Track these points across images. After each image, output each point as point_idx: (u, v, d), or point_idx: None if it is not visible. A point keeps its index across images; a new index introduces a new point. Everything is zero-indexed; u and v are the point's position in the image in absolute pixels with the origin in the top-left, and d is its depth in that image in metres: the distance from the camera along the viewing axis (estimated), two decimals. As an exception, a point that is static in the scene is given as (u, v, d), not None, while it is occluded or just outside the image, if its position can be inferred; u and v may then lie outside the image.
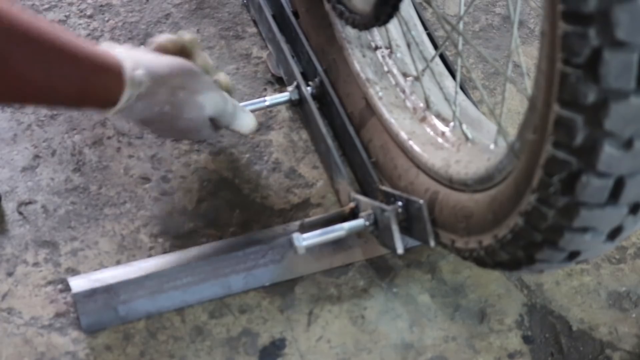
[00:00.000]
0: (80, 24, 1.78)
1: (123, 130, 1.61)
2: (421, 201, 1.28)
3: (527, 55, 1.72)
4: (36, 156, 1.57)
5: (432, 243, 1.28)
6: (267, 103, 1.58)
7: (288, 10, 1.68)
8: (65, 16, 1.79)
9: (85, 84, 1.24)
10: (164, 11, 1.81)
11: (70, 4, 1.81)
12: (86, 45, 1.24)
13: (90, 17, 1.79)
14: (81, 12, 1.80)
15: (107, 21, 1.79)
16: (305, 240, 1.36)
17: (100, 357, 1.36)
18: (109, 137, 1.61)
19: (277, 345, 1.38)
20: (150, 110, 1.33)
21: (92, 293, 1.38)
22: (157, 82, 1.32)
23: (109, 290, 1.38)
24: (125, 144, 1.60)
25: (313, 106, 1.55)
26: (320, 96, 1.58)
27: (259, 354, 1.38)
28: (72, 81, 1.23)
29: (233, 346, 1.38)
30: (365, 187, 1.49)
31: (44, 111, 1.64)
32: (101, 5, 1.81)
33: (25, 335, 1.38)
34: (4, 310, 1.40)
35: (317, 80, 1.58)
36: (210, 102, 1.39)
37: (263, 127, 1.63)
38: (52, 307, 1.40)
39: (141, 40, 1.75)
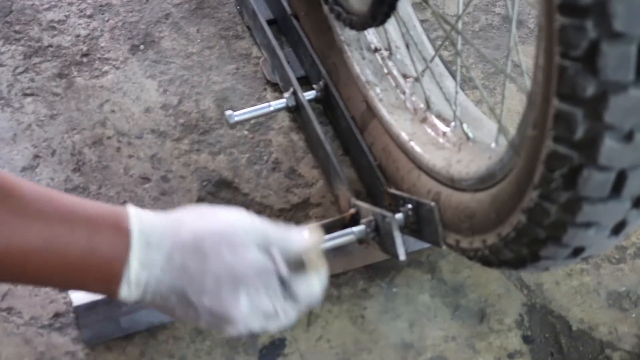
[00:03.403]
0: (80, 24, 1.78)
1: (123, 130, 1.61)
2: (432, 203, 1.27)
3: (526, 55, 1.73)
4: (36, 156, 1.57)
5: (442, 245, 1.28)
6: (271, 108, 1.57)
7: (290, 14, 1.68)
8: (65, 16, 1.79)
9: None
10: (164, 11, 1.81)
11: (70, 4, 1.81)
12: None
13: (90, 17, 1.79)
14: (81, 12, 1.80)
15: (107, 21, 1.79)
16: None
17: (100, 357, 1.36)
18: (109, 137, 1.61)
19: (277, 345, 1.38)
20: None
21: (93, 305, 1.37)
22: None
23: (110, 302, 1.37)
24: (125, 144, 1.60)
25: (310, 112, 1.55)
26: (325, 99, 1.58)
27: (259, 354, 1.38)
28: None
29: (233, 346, 1.38)
30: (372, 191, 1.49)
31: (44, 111, 1.64)
32: (101, 5, 1.81)
33: (25, 335, 1.37)
34: (4, 310, 1.40)
35: (321, 83, 1.58)
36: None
37: (263, 127, 1.63)
38: (52, 307, 1.40)
39: (141, 40, 1.75)
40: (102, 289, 1.03)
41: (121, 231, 1.00)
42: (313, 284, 1.05)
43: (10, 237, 0.97)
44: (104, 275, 1.01)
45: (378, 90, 1.48)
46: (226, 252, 1.01)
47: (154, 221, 1.02)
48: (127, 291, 1.01)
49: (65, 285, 1.05)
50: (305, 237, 1.06)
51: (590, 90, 0.88)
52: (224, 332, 1.05)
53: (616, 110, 0.88)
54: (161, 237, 1.01)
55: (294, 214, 1.52)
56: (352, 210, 1.44)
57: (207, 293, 1.01)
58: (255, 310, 1.03)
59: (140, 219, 1.02)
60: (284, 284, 1.03)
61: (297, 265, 1.04)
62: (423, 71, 1.43)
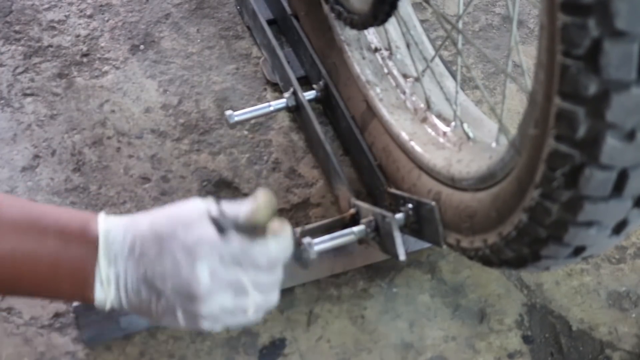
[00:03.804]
0: (80, 24, 1.78)
1: (123, 130, 1.61)
2: (433, 203, 1.27)
3: (526, 55, 1.73)
4: (36, 156, 1.57)
5: (442, 244, 1.28)
6: (271, 108, 1.57)
7: (290, 14, 1.68)
8: (65, 16, 1.79)
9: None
10: (164, 11, 1.81)
11: (70, 4, 1.81)
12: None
13: (90, 17, 1.79)
14: (81, 12, 1.80)
15: (107, 21, 1.79)
16: (317, 245, 1.35)
17: (100, 357, 1.36)
18: (109, 137, 1.61)
19: (277, 345, 1.38)
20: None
21: (93, 306, 1.37)
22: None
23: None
24: (125, 144, 1.60)
25: (310, 112, 1.55)
26: (325, 99, 1.58)
27: (258, 354, 1.38)
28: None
29: (233, 346, 1.38)
30: (372, 190, 1.49)
31: (44, 111, 1.64)
32: (101, 5, 1.81)
33: (25, 335, 1.37)
34: (4, 310, 1.40)
35: (321, 83, 1.58)
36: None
37: (263, 127, 1.63)
38: (52, 307, 1.40)
39: (141, 40, 1.75)
40: (77, 292, 1.05)
41: (89, 234, 1.03)
42: (270, 247, 1.05)
43: None
44: (77, 278, 1.03)
45: (378, 90, 1.48)
46: (180, 231, 1.03)
47: (118, 221, 1.05)
48: (101, 291, 1.04)
49: (39, 291, 1.06)
50: (254, 202, 1.06)
51: (592, 88, 0.88)
52: (201, 326, 1.05)
53: (618, 109, 0.88)
54: (124, 233, 1.04)
55: (294, 214, 1.52)
56: (352, 210, 1.44)
57: (168, 274, 1.02)
58: (219, 283, 1.03)
59: (106, 221, 1.05)
60: (245, 253, 1.04)
61: (252, 231, 1.04)
62: (423, 71, 1.43)
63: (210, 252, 1.02)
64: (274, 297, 1.08)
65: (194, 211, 1.05)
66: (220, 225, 1.03)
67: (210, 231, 1.03)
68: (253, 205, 1.05)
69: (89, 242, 1.03)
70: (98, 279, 1.03)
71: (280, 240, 1.06)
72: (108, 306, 1.06)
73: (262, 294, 1.06)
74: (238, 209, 1.05)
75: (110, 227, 1.04)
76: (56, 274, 1.03)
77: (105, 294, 1.04)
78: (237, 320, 1.06)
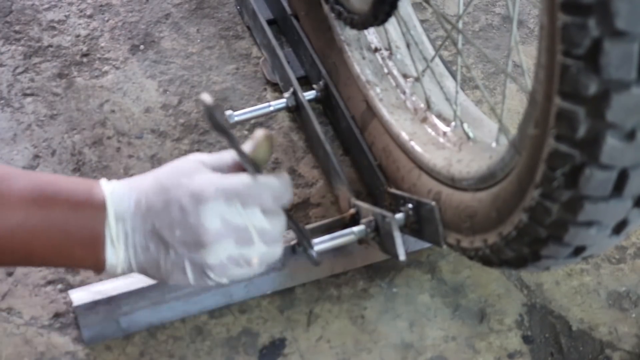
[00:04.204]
0: (80, 24, 1.78)
1: (123, 130, 1.61)
2: (433, 203, 1.27)
3: (526, 55, 1.73)
4: (36, 156, 1.57)
5: (443, 244, 1.28)
6: (271, 108, 1.57)
7: (290, 14, 1.68)
8: (65, 16, 1.79)
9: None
10: (164, 11, 1.81)
11: (70, 4, 1.81)
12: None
13: (90, 17, 1.79)
14: (81, 12, 1.80)
15: (107, 21, 1.79)
16: (317, 245, 1.35)
17: (100, 357, 1.36)
18: (109, 137, 1.61)
19: (277, 345, 1.38)
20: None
21: (93, 305, 1.37)
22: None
23: (111, 302, 1.37)
24: (125, 144, 1.60)
25: (310, 112, 1.55)
26: (325, 99, 1.58)
27: (258, 354, 1.37)
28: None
29: (233, 346, 1.38)
30: (372, 190, 1.49)
31: (44, 111, 1.64)
32: (101, 5, 1.81)
33: (25, 335, 1.37)
34: (4, 310, 1.40)
35: (321, 83, 1.58)
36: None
37: (263, 127, 1.63)
38: (52, 307, 1.40)
39: (141, 40, 1.75)
40: (89, 257, 1.06)
41: (95, 197, 1.05)
42: (273, 184, 1.06)
43: None
44: (89, 241, 1.05)
45: (378, 90, 1.48)
46: (184, 180, 1.05)
47: (121, 182, 1.08)
48: (113, 253, 1.05)
49: (53, 259, 1.07)
50: (254, 140, 1.08)
51: (592, 88, 0.88)
52: (208, 280, 1.07)
53: (618, 109, 0.88)
54: (129, 192, 1.06)
55: (294, 214, 1.52)
56: (352, 210, 1.44)
57: (175, 223, 1.04)
58: (226, 227, 1.04)
59: (109, 184, 1.07)
60: (250, 189, 1.05)
61: (254, 170, 1.06)
62: (423, 71, 1.43)
63: (215, 194, 1.03)
64: (277, 248, 1.09)
65: (195, 162, 1.07)
66: (213, 117, 1.02)
67: (213, 175, 1.05)
68: (253, 143, 1.08)
69: (96, 204, 1.05)
70: (109, 239, 1.05)
71: (281, 179, 1.07)
72: (119, 270, 1.07)
73: (266, 244, 1.07)
74: (238, 153, 1.07)
75: (114, 188, 1.06)
76: (68, 240, 1.04)
77: (116, 254, 1.06)
78: (242, 272, 1.07)
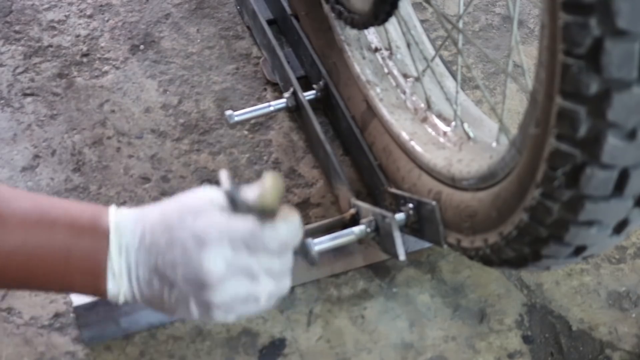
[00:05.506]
0: (80, 24, 1.78)
1: (123, 130, 1.61)
2: (434, 202, 1.27)
3: (527, 55, 1.73)
4: (36, 156, 1.57)
5: (443, 244, 1.27)
6: (272, 108, 1.57)
7: (290, 14, 1.68)
8: (65, 16, 1.79)
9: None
10: (164, 11, 1.81)
11: (70, 4, 1.81)
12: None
13: (90, 17, 1.79)
14: (81, 12, 1.80)
15: (107, 21, 1.79)
16: (317, 245, 1.35)
17: (100, 357, 1.36)
18: (109, 137, 1.61)
19: (277, 345, 1.38)
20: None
21: (93, 306, 1.37)
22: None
23: (110, 302, 1.37)
24: (125, 144, 1.60)
25: (310, 112, 1.55)
26: (325, 99, 1.58)
27: (258, 354, 1.37)
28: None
29: (233, 346, 1.37)
30: (373, 190, 1.49)
31: (44, 111, 1.64)
32: (101, 5, 1.81)
33: (25, 335, 1.37)
34: (4, 310, 1.40)
35: (321, 83, 1.58)
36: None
37: (263, 127, 1.63)
38: (52, 307, 1.40)
39: (141, 40, 1.75)
40: (89, 285, 1.04)
41: (100, 226, 1.02)
42: (280, 230, 1.02)
43: None
44: (89, 270, 1.02)
45: (378, 90, 1.48)
46: (189, 219, 1.02)
47: (128, 213, 1.04)
48: (114, 283, 1.03)
49: (51, 285, 1.05)
50: (262, 185, 1.04)
51: (593, 88, 0.88)
52: (215, 317, 1.04)
53: (619, 108, 0.88)
54: (134, 224, 1.03)
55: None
56: (352, 210, 1.44)
57: (179, 262, 1.01)
58: (230, 270, 1.01)
59: (116, 213, 1.04)
60: (255, 236, 1.02)
61: (261, 215, 1.02)
62: (424, 71, 1.43)
63: (219, 238, 1.01)
64: (286, 283, 1.06)
65: (203, 199, 1.04)
66: (234, 200, 1.01)
67: (219, 217, 1.02)
68: (261, 188, 1.04)
69: (100, 234, 1.03)
70: (110, 270, 1.02)
71: (289, 224, 1.04)
72: (121, 299, 1.05)
73: (274, 280, 1.04)
74: (246, 192, 1.04)
75: (120, 219, 1.04)
76: (67, 266, 1.02)
77: (117, 286, 1.03)
78: (249, 309, 1.05)
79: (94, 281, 1.03)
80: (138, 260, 1.03)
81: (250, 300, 1.03)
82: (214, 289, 1.01)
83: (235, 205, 1.01)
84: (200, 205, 1.03)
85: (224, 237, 1.01)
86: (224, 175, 1.01)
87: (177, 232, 1.01)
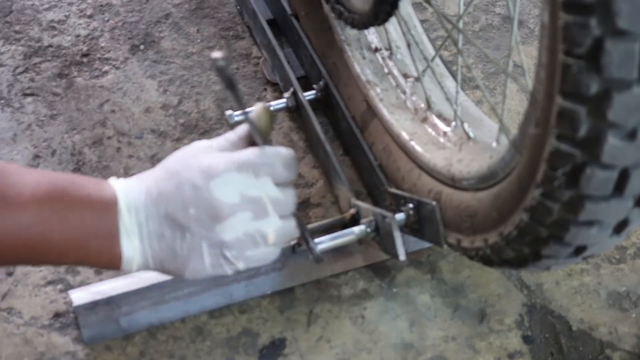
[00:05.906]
0: (80, 24, 1.78)
1: (123, 130, 1.61)
2: (434, 203, 1.27)
3: (527, 55, 1.73)
4: (36, 156, 1.57)
5: (443, 244, 1.27)
6: (271, 108, 1.57)
7: (290, 14, 1.68)
8: (65, 16, 1.79)
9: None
10: (164, 11, 1.81)
11: (70, 4, 1.81)
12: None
13: (90, 17, 1.79)
14: (81, 12, 1.80)
15: (107, 21, 1.79)
16: (318, 244, 1.35)
17: (100, 357, 1.36)
18: (109, 137, 1.61)
19: (277, 345, 1.38)
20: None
21: (93, 305, 1.37)
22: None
23: (110, 302, 1.37)
24: (125, 144, 1.60)
25: (310, 112, 1.55)
26: (325, 99, 1.58)
27: (258, 354, 1.37)
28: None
29: (233, 346, 1.37)
30: (373, 190, 1.49)
31: (44, 111, 1.64)
32: (101, 5, 1.81)
33: (25, 335, 1.37)
34: (4, 310, 1.40)
35: (321, 83, 1.58)
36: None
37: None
38: (52, 307, 1.40)
39: (141, 40, 1.75)
40: (105, 252, 1.06)
41: (106, 191, 1.06)
42: (280, 150, 1.07)
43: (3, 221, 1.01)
44: (103, 235, 1.05)
45: (378, 90, 1.48)
46: (193, 161, 1.06)
47: (129, 178, 1.09)
48: (128, 245, 1.05)
49: (68, 256, 1.07)
50: (254, 111, 1.11)
51: (593, 88, 0.88)
52: (226, 260, 1.06)
53: (620, 108, 0.88)
54: (138, 184, 1.07)
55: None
56: (352, 210, 1.44)
57: (189, 201, 1.04)
58: (242, 201, 1.04)
59: (120, 180, 1.08)
60: (259, 158, 1.06)
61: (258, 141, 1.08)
62: (424, 71, 1.43)
63: (226, 168, 1.04)
64: (291, 223, 1.09)
65: (200, 146, 1.08)
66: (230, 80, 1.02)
67: (222, 153, 1.06)
68: (253, 114, 1.10)
69: (107, 198, 1.05)
70: (123, 230, 1.05)
71: (285, 148, 1.09)
72: (135, 266, 1.07)
73: (281, 217, 1.07)
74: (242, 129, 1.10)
75: (123, 183, 1.07)
76: (83, 234, 1.04)
77: (132, 247, 1.06)
78: (258, 253, 1.07)
79: (109, 244, 1.05)
80: (148, 214, 1.05)
81: (260, 238, 1.06)
82: (226, 223, 1.04)
83: (224, 77, 1.01)
84: (200, 150, 1.08)
85: (230, 166, 1.04)
86: (217, 53, 1.00)
87: (184, 173, 1.05)
